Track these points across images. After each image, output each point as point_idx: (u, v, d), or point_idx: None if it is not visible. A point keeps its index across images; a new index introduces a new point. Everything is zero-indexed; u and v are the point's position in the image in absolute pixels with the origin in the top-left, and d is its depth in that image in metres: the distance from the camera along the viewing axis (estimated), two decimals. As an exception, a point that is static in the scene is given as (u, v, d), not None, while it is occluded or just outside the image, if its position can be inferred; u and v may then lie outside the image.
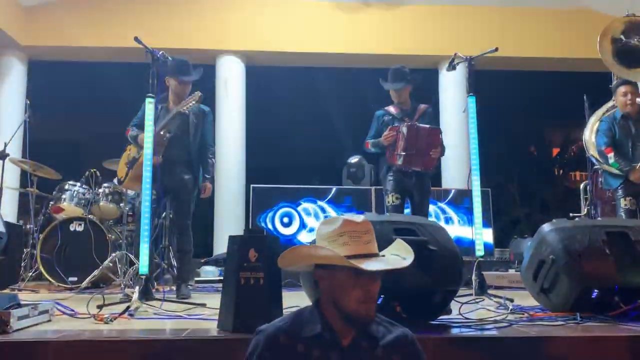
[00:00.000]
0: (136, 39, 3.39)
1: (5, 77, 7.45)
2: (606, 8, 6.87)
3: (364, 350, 1.45)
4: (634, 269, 2.65)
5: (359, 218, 1.51)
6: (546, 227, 2.85)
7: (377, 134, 4.33)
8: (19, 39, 7.27)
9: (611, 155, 4.34)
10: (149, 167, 3.34)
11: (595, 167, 5.63)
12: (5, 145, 5.23)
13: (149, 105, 3.43)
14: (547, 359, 2.18)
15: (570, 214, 5.26)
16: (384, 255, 1.52)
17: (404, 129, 4.12)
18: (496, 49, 3.69)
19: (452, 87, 7.38)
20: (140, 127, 3.77)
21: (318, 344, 1.44)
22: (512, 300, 3.17)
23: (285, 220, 6.00)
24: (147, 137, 3.41)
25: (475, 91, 3.83)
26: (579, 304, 2.65)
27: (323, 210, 6.08)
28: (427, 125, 4.21)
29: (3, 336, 2.19)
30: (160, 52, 3.56)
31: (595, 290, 2.66)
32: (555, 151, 11.86)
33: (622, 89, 4.47)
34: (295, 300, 2.88)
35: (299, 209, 6.05)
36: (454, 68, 3.99)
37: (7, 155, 5.23)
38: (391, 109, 4.38)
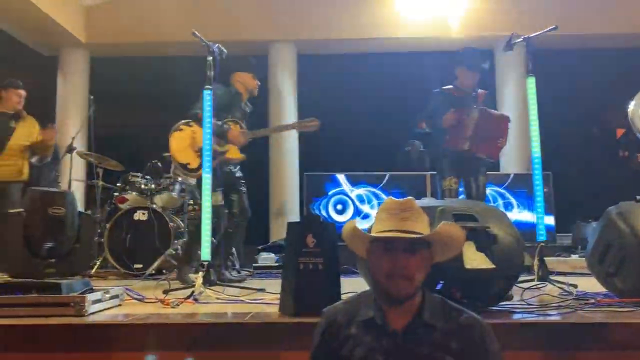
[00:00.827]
0: (194, 33, 3.47)
1: (69, 74, 7.82)
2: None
3: (418, 337, 1.42)
4: None
5: (406, 199, 1.53)
6: (612, 210, 2.74)
7: (434, 114, 4.16)
8: (81, 37, 7.60)
9: None
10: (209, 156, 3.43)
11: (665, 147, 5.33)
12: (72, 139, 5.50)
13: (207, 97, 3.51)
14: (613, 346, 2.11)
15: (637, 197, 5.02)
16: (421, 234, 1.48)
17: (476, 113, 3.97)
18: (556, 27, 3.54)
19: (509, 69, 7.16)
20: (217, 117, 3.85)
21: (370, 329, 1.45)
22: (575, 286, 3.08)
23: (339, 207, 6.03)
24: (206, 128, 3.50)
25: (534, 72, 3.70)
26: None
27: (377, 196, 6.07)
28: (498, 112, 4.08)
29: (79, 318, 2.33)
30: (216, 45, 3.63)
31: (667, 275, 2.54)
32: (620, 132, 11.32)
33: None
34: (352, 286, 2.91)
35: (352, 195, 6.06)
36: (511, 48, 3.86)
37: (74, 149, 5.51)
38: (454, 90, 4.21)
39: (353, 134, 7.78)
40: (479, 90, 4.24)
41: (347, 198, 6.06)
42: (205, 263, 3.21)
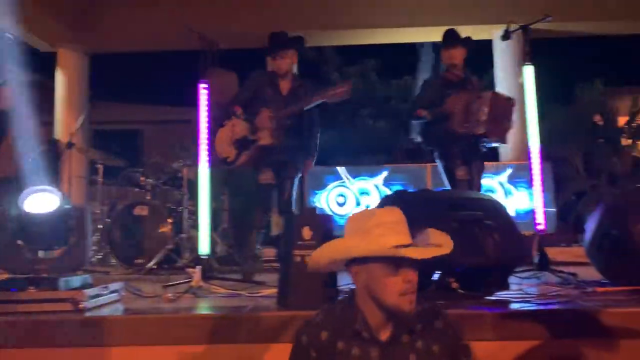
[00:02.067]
0: (187, 26, 3.46)
1: (67, 70, 7.79)
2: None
3: (404, 344, 1.44)
4: None
5: (392, 209, 1.49)
6: (609, 198, 2.73)
7: (430, 101, 4.08)
8: (79, 35, 7.57)
9: None
10: (205, 149, 3.43)
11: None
12: (72, 136, 5.50)
13: (202, 92, 3.51)
14: (610, 334, 2.11)
15: (638, 185, 5.01)
16: (416, 245, 1.46)
17: (489, 95, 3.91)
18: (550, 17, 3.51)
19: (507, 57, 7.11)
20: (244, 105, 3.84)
21: (357, 342, 1.43)
22: (575, 275, 3.08)
23: (340, 200, 6.03)
24: (203, 122, 3.49)
25: (531, 60, 3.67)
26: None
27: (377, 188, 6.06)
28: (506, 95, 4.03)
29: (77, 314, 2.34)
30: (211, 38, 3.62)
31: (665, 263, 2.54)
32: (622, 120, 11.24)
33: None
34: (348, 278, 2.91)
35: (353, 188, 6.05)
36: (508, 37, 3.83)
37: (73, 145, 5.51)
38: (449, 75, 4.16)
39: (354, 125, 7.80)
40: (474, 77, 4.20)
41: (348, 190, 6.06)
42: (204, 257, 3.22)
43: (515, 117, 4.02)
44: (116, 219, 4.98)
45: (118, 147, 6.13)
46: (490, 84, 7.21)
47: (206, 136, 3.46)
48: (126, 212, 5.00)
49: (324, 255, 1.54)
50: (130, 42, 7.70)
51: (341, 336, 1.44)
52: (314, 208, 4.23)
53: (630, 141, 10.14)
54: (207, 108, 3.53)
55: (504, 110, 3.93)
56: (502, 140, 4.05)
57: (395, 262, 1.39)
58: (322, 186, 6.05)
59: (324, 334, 1.45)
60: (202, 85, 3.55)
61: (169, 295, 2.76)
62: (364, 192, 6.06)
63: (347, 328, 1.44)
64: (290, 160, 3.96)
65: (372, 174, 6.12)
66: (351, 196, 6.03)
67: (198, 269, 3.11)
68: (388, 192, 5.86)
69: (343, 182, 6.07)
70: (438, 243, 1.48)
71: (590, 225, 2.89)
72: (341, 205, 6.01)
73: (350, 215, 1.56)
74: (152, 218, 4.94)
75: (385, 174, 6.10)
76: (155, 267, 4.66)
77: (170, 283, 3.12)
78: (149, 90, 7.88)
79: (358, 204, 6.01)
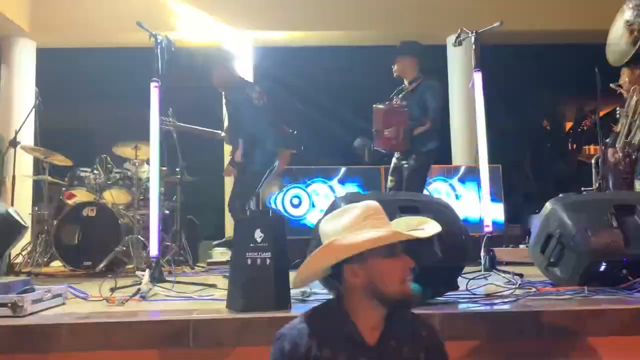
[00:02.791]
0: (139, 23, 3.39)
1: (14, 65, 7.49)
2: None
3: (392, 349, 1.42)
4: (642, 241, 2.63)
5: (370, 202, 1.47)
6: (554, 201, 2.83)
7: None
8: (26, 27, 7.29)
9: None
10: (156, 150, 3.36)
11: (607, 139, 5.54)
12: (16, 133, 5.29)
13: (154, 90, 3.44)
14: (552, 332, 2.19)
15: (582, 189, 5.22)
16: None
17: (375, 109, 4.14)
18: (501, 23, 3.62)
19: (460, 63, 7.28)
20: None
21: (345, 347, 1.39)
22: (521, 276, 3.17)
23: (295, 201, 6.02)
24: (153, 122, 3.43)
25: (482, 66, 3.77)
26: (587, 278, 2.64)
27: (332, 190, 6.09)
28: (382, 105, 4.14)
29: (17, 319, 2.25)
30: (164, 36, 3.56)
31: (603, 264, 2.65)
32: (569, 125, 11.71)
33: None
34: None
35: (308, 189, 6.06)
36: (460, 43, 3.94)
37: (18, 143, 5.30)
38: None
39: (309, 127, 7.79)
40: (419, 82, 4.26)
41: (303, 192, 6.06)
42: (154, 260, 3.16)
43: (466, 119, 4.13)
44: (63, 220, 4.82)
45: (67, 145, 5.92)
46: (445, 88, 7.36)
47: (157, 136, 3.39)
48: (74, 213, 4.85)
49: (315, 263, 1.46)
50: (81, 36, 7.48)
51: (327, 343, 1.38)
52: (267, 210, 4.22)
53: (575, 146, 10.55)
54: (158, 107, 3.46)
55: (383, 121, 4.07)
56: (387, 149, 4.20)
57: (393, 251, 1.40)
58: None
59: (308, 342, 1.38)
60: (154, 83, 3.48)
61: (116, 298, 2.69)
62: (319, 194, 6.07)
63: (335, 334, 1.40)
64: None
65: (328, 175, 6.14)
66: (306, 197, 6.04)
67: (147, 271, 3.04)
68: (343, 193, 5.89)
69: (298, 182, 6.07)
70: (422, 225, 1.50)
71: (535, 227, 2.99)
72: (296, 206, 6.01)
73: (326, 218, 1.51)
74: (101, 219, 4.81)
75: (340, 175, 6.13)
76: (103, 269, 4.54)
77: (118, 286, 3.03)
78: (101, 86, 7.65)
79: (313, 205, 6.02)
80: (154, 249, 3.24)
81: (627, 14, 4.12)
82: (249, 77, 7.81)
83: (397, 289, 1.39)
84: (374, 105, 4.15)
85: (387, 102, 4.16)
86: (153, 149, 3.36)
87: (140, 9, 6.64)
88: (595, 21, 7.41)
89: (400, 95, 4.22)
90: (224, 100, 4.20)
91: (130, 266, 4.71)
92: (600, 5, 7.29)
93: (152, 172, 3.35)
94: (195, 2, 7.23)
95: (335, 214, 1.48)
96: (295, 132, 4.21)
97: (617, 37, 4.20)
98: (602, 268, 2.65)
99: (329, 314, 1.45)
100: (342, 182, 6.10)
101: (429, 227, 1.50)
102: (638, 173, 4.14)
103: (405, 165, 4.16)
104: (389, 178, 4.24)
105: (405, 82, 4.27)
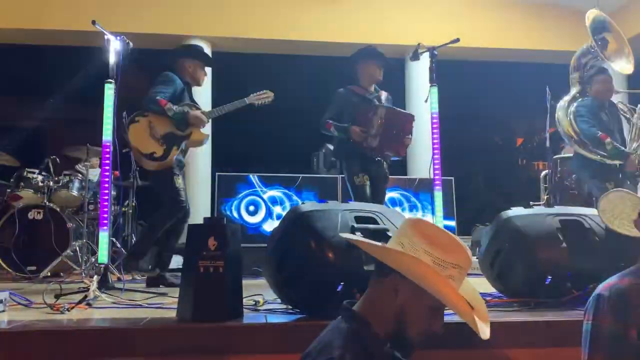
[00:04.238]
0: (94, 22, 3.31)
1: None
2: (574, 3, 7.00)
3: None
4: (585, 255, 2.73)
5: (467, 251, 1.33)
6: (502, 215, 2.91)
7: (340, 114, 4.16)
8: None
9: (609, 141, 4.32)
10: (109, 153, 3.28)
11: (556, 156, 5.76)
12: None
13: (109, 92, 3.36)
14: (498, 343, 2.24)
15: (530, 203, 5.40)
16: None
17: (382, 111, 4.02)
18: (457, 40, 3.72)
19: (418, 77, 7.43)
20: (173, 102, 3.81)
21: None
22: (471, 287, 3.23)
23: (252, 208, 5.98)
24: (107, 123, 3.34)
25: (438, 81, 3.85)
26: (533, 290, 2.72)
27: (290, 198, 6.08)
28: (404, 111, 4.18)
29: (-48, 327, 2.14)
30: (121, 37, 3.48)
31: (549, 277, 2.73)
32: (519, 141, 12.10)
33: (601, 77, 4.59)
34: (256, 289, 2.89)
35: (265, 197, 6.03)
36: (417, 58, 4.01)
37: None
38: (357, 89, 4.24)
39: (268, 134, 7.77)
40: (383, 92, 4.32)
41: (259, 199, 6.02)
42: (102, 265, 3.06)
43: (422, 132, 4.19)
44: (7, 223, 4.63)
45: (13, 145, 5.70)
46: (401, 101, 7.49)
47: (110, 136, 3.31)
48: (19, 215, 4.67)
49: (391, 258, 1.32)
50: (32, 34, 7.23)
51: None
52: (222, 217, 4.16)
53: (525, 161, 10.90)
54: (112, 107, 3.38)
55: (400, 125, 4.07)
56: (399, 154, 4.19)
57: (439, 307, 1.31)
58: (233, 194, 5.98)
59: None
60: (108, 84, 3.40)
61: (61, 305, 2.59)
62: (276, 201, 6.05)
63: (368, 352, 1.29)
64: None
65: (286, 183, 6.13)
66: (263, 205, 6.00)
67: (95, 277, 2.95)
68: (299, 201, 5.89)
69: (255, 190, 6.03)
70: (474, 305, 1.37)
71: (484, 239, 3.06)
72: (252, 214, 5.97)
73: (426, 223, 1.35)
74: (48, 223, 4.66)
75: (298, 183, 6.13)
76: (49, 275, 4.38)
77: (63, 292, 2.92)
78: (50, 85, 7.40)
79: (270, 213, 5.99)
80: (102, 255, 3.15)
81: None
82: (207, 81, 7.76)
83: (413, 334, 1.32)
84: (394, 108, 4.10)
85: (392, 107, 4.14)
86: (105, 152, 3.28)
87: (95, 7, 6.49)
88: (548, 42, 7.77)
89: (382, 101, 4.22)
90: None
91: (78, 272, 4.56)
92: (554, 27, 7.65)
93: (103, 175, 3.26)
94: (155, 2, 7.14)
95: (445, 237, 1.31)
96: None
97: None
98: (548, 281, 2.73)
99: (361, 338, 1.32)
100: (299, 190, 6.10)
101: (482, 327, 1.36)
102: None
103: (382, 176, 4.19)
104: (364, 177, 4.09)
105: (371, 89, 4.27)
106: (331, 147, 6.43)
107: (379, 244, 1.37)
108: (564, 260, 2.71)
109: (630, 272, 1.53)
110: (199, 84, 4.21)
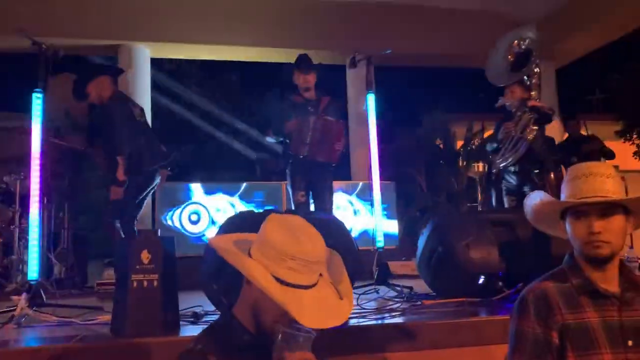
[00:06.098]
0: (20, 28, 3.17)
1: None
2: (511, 11, 7.25)
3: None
4: (515, 256, 2.85)
5: (314, 244, 1.33)
6: (437, 217, 3.00)
7: (280, 123, 4.17)
8: None
9: None
10: (37, 164, 3.15)
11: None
12: None
13: (37, 101, 3.23)
14: (431, 343, 2.30)
15: (467, 204, 5.57)
16: (314, 285, 1.32)
17: (312, 120, 4.06)
18: (390, 50, 3.78)
19: (357, 84, 7.52)
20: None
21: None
22: (411, 288, 3.30)
23: (194, 217, 5.88)
24: (35, 135, 3.21)
25: (375, 88, 3.92)
26: (467, 290, 2.81)
27: (233, 206, 6.01)
28: (333, 119, 4.21)
29: None
30: (49, 44, 3.36)
31: (482, 277, 2.83)
32: (460, 144, 12.45)
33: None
34: (194, 301, 2.84)
35: (207, 205, 5.94)
36: (355, 65, 4.06)
37: None
38: (296, 98, 4.27)
39: (209, 141, 7.68)
40: (324, 97, 4.36)
41: (202, 208, 5.93)
42: (33, 282, 2.93)
43: (364, 137, 4.23)
44: None
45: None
46: (344, 107, 7.56)
47: (39, 147, 3.17)
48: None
49: (223, 250, 1.38)
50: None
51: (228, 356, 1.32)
52: (153, 231, 4.05)
53: (465, 163, 11.24)
54: (41, 117, 3.25)
55: (332, 133, 4.14)
56: (331, 160, 4.23)
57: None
58: (175, 204, 5.86)
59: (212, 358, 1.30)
60: (36, 94, 3.27)
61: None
62: (219, 209, 5.97)
63: (232, 343, 1.33)
64: None
65: (229, 191, 6.06)
66: (205, 214, 5.92)
67: (24, 295, 2.82)
68: (244, 209, 5.84)
69: (197, 199, 5.94)
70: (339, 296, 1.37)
71: (421, 241, 3.14)
72: (194, 223, 5.87)
73: (275, 219, 1.36)
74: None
75: (242, 191, 6.08)
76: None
77: (-10, 313, 2.79)
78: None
79: (213, 222, 5.91)
80: (32, 270, 3.01)
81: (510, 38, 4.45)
82: (147, 89, 7.59)
83: (268, 325, 1.32)
84: (324, 116, 4.11)
85: (322, 115, 4.13)
86: (34, 163, 3.15)
87: (22, 13, 6.21)
88: (483, 46, 8.00)
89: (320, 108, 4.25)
90: (93, 115, 4.02)
91: (10, 289, 4.35)
92: (489, 33, 7.89)
93: (33, 186, 3.12)
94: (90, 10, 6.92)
95: (286, 226, 1.34)
96: (173, 153, 4.11)
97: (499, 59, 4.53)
98: (481, 281, 2.84)
99: (224, 327, 1.39)
100: (243, 197, 6.05)
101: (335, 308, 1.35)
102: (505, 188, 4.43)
103: (324, 183, 4.21)
104: (300, 194, 4.14)
105: (309, 95, 4.29)
106: (268, 155, 6.44)
107: (229, 248, 1.41)
108: (495, 261, 2.82)
109: (552, 275, 1.57)
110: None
